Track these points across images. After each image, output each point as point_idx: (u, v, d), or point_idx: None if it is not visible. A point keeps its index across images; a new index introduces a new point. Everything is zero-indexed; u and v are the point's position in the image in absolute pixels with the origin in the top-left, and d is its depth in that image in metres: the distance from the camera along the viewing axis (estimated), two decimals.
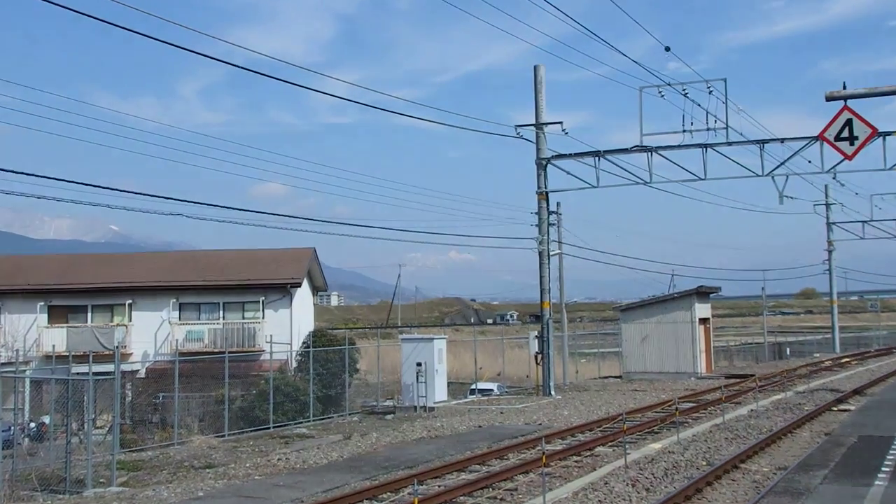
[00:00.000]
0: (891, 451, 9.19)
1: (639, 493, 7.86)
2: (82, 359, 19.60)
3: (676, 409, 14.61)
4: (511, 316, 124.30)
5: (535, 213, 21.15)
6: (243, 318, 25.32)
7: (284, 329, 24.92)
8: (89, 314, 25.02)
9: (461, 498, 8.26)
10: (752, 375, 23.54)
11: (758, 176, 19.42)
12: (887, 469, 8.11)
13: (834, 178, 29.49)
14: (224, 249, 30.34)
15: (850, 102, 12.85)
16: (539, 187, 21.12)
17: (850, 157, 13.07)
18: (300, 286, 25.99)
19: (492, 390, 24.58)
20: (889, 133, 17.83)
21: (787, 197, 19.70)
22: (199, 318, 25.13)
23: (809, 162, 18.97)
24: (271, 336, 20.86)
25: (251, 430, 17.18)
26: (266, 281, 25.50)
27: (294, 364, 23.30)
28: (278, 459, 11.28)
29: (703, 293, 26.11)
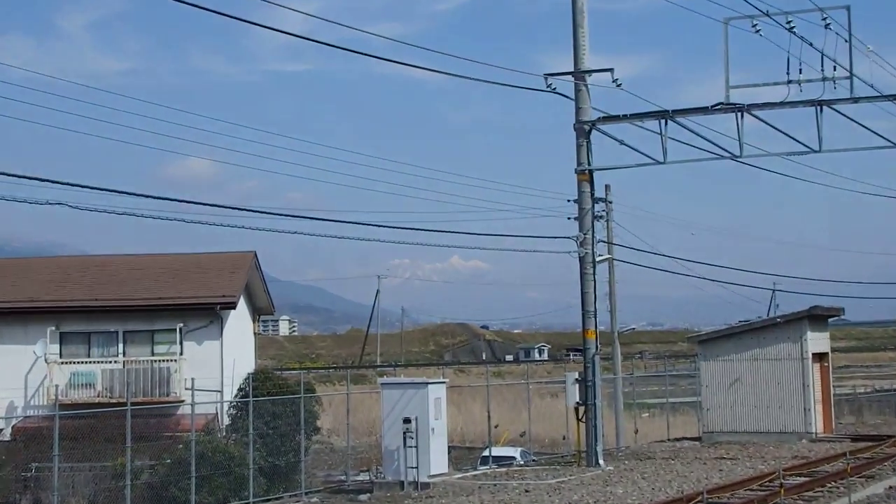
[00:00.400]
0: None
1: None
2: None
3: (781, 485, 14.41)
4: (540, 350, 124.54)
5: (575, 202, 21.16)
6: (153, 353, 25.35)
7: (212, 369, 25.04)
8: None
9: None
10: (891, 437, 23.47)
11: None
12: None
13: None
14: (126, 255, 30.45)
15: None
16: (580, 164, 21.13)
17: None
18: (234, 307, 26.10)
19: (513, 458, 24.69)
20: None
21: None
22: (88, 355, 25.02)
23: None
24: (193, 380, 20.78)
25: None
26: (186, 300, 25.58)
27: (226, 420, 23.47)
28: None
29: (818, 317, 25.53)
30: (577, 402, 21.02)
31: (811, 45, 18.12)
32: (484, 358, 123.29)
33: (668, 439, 27.44)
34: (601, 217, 27.56)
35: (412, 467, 17.90)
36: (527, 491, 16.51)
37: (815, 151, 19.68)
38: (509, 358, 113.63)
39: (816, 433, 24.67)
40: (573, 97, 20.96)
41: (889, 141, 19.58)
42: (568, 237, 20.91)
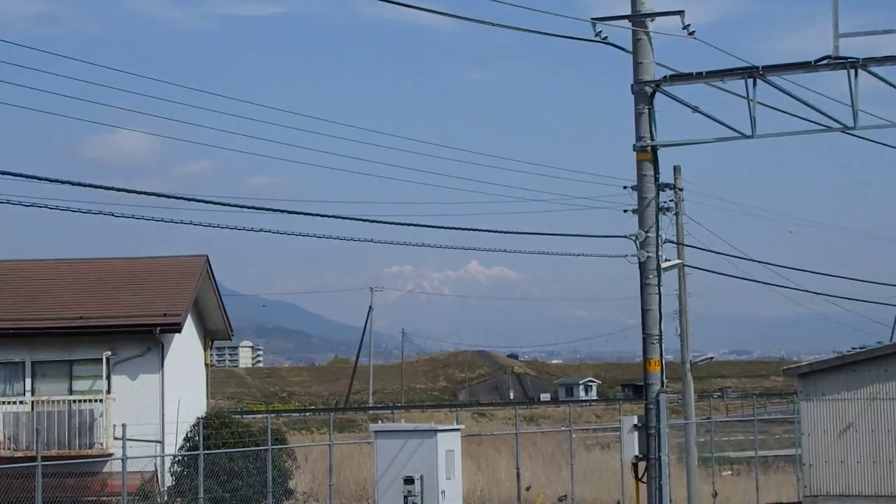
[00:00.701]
0: None
1: None
2: None
3: None
4: (587, 387, 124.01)
5: (633, 189, 21.04)
6: (71, 391, 25.45)
7: (150, 412, 25.27)
8: None
9: None
10: None
11: None
12: None
13: None
14: (35, 260, 30.56)
15: None
16: (640, 138, 21.01)
17: None
18: (180, 330, 26.33)
19: None
20: None
21: None
22: None
23: None
24: (124, 427, 20.78)
25: None
26: (115, 320, 25.82)
27: (169, 480, 23.91)
28: None
29: None
30: (636, 457, 20.87)
31: None
32: (512, 397, 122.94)
33: None
34: (668, 209, 27.49)
35: None
36: None
37: None
38: (546, 397, 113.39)
39: None
40: (630, 49, 20.84)
41: None
42: (624, 236, 20.77)
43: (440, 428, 19.76)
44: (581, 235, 22.04)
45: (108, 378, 25.55)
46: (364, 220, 16.96)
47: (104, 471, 23.78)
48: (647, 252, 20.77)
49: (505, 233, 19.64)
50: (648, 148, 20.73)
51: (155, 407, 25.52)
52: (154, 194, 14.40)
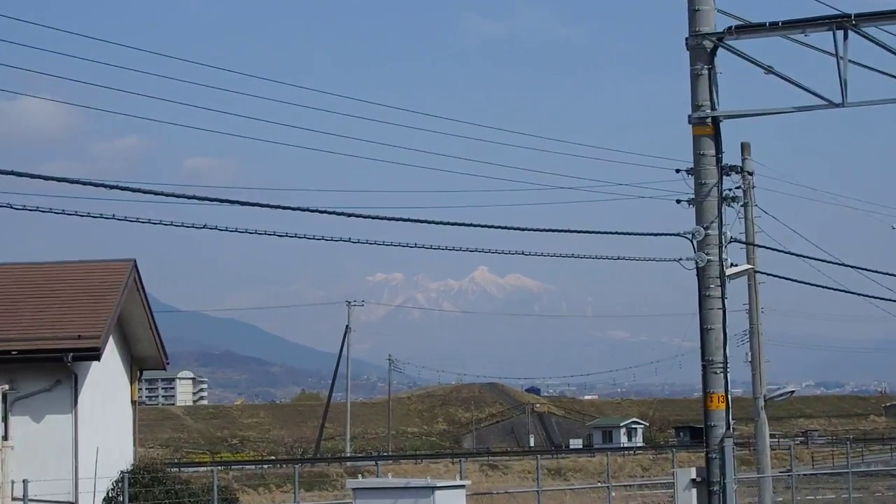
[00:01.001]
0: None
1: None
2: None
3: None
4: (630, 430, 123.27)
5: (689, 173, 21.06)
6: None
7: (60, 462, 25.41)
8: None
9: None
10: None
11: None
12: None
13: None
14: None
15: None
16: (698, 107, 21.04)
17: None
18: (98, 358, 26.53)
19: None
20: None
21: None
22: None
23: None
24: (25, 483, 20.80)
25: None
26: (13, 345, 25.95)
27: None
28: None
29: None
30: None
31: None
32: (533, 444, 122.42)
33: None
34: (735, 199, 27.34)
35: None
36: None
37: None
38: (577, 444, 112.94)
39: None
40: None
41: None
42: (677, 234, 20.80)
43: (439, 484, 19.78)
44: (621, 233, 22.04)
45: (5, 420, 25.57)
46: (339, 214, 16.95)
47: None
48: (707, 254, 20.79)
49: (522, 230, 19.44)
50: (708, 119, 20.74)
51: (66, 457, 25.56)
52: (64, 180, 14.36)
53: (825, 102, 20.11)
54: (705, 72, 20.58)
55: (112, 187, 14.62)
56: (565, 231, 20.73)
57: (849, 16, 19.94)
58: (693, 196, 20.78)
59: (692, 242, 20.67)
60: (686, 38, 20.72)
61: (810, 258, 26.65)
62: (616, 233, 22.09)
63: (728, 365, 20.46)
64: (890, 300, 28.94)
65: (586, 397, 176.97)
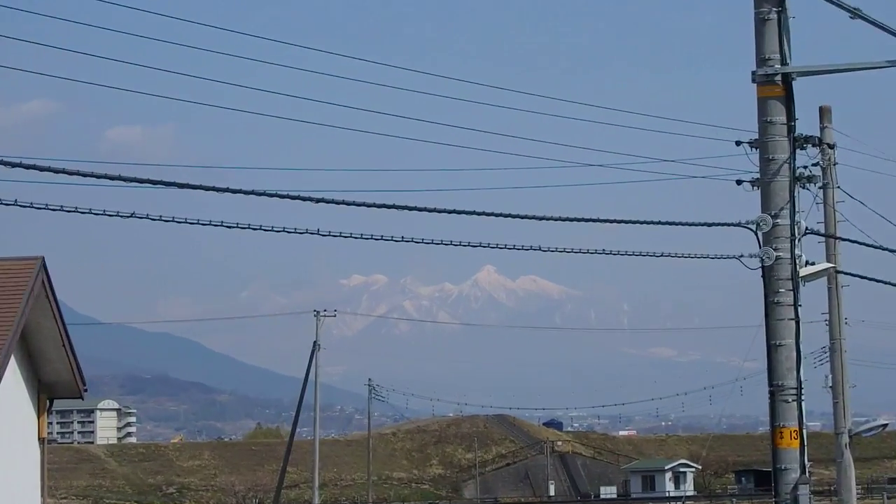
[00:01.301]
0: None
1: None
2: None
3: None
4: (678, 475, 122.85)
5: (751, 145, 21.03)
6: None
7: None
8: None
9: None
10: None
11: None
12: None
13: None
14: None
15: None
16: (764, 61, 21.01)
17: None
18: None
19: None
20: None
21: None
22: None
23: None
24: None
25: None
26: None
27: None
28: None
29: None
30: None
31: None
32: (553, 493, 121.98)
33: None
34: (810, 180, 27.32)
35: None
36: None
37: None
38: (610, 492, 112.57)
39: None
40: None
41: None
42: (737, 224, 20.81)
43: None
44: (666, 224, 22.02)
45: None
46: (304, 199, 16.82)
47: None
48: (775, 250, 20.73)
49: (540, 219, 19.28)
50: (777, 77, 20.68)
51: None
52: None
53: None
54: (774, 16, 20.50)
55: (12, 164, 14.44)
56: (594, 221, 20.64)
57: None
58: (758, 175, 20.72)
59: (756, 234, 20.61)
60: None
61: None
62: (659, 223, 22.00)
63: (803, 391, 20.43)
64: None
65: (621, 433, 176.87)
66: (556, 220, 20.65)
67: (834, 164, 29.81)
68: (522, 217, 20.31)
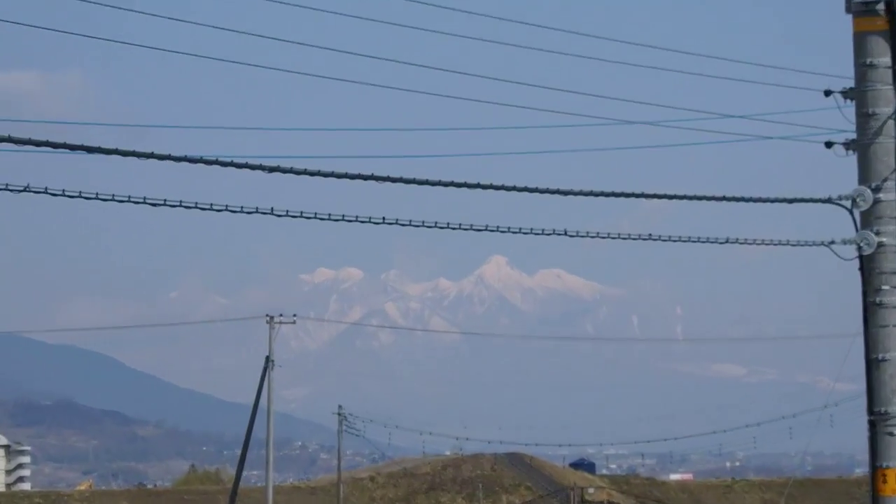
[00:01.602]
0: None
1: None
2: None
3: None
4: None
5: (845, 96, 21.01)
6: None
7: None
8: None
9: None
10: None
11: None
12: None
13: None
14: None
15: None
16: None
17: None
18: None
19: None
20: None
21: None
22: None
23: None
24: None
25: None
26: None
27: None
28: None
29: None
30: None
31: None
32: None
33: None
34: None
35: None
36: None
37: None
38: None
39: None
40: None
41: None
42: (825, 200, 20.81)
43: None
44: (731, 200, 22.01)
45: None
46: (252, 168, 16.77)
47: None
48: (877, 233, 20.67)
49: (565, 194, 19.22)
50: (881, 5, 20.65)
51: None
52: None
53: None
54: None
55: None
56: (637, 196, 20.57)
57: None
58: (854, 135, 20.68)
59: (852, 213, 20.57)
60: None
61: None
62: (723, 198, 21.94)
63: None
64: None
65: (673, 477, 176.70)
66: (586, 195, 20.61)
67: None
68: (543, 191, 20.26)
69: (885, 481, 21.05)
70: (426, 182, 19.06)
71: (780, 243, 22.43)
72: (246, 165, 17.09)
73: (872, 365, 21.18)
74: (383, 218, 19.16)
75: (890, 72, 20.83)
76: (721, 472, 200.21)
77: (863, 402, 21.18)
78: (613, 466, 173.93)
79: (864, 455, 21.68)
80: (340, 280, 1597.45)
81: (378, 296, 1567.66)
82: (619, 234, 21.65)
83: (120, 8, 21.32)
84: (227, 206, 17.34)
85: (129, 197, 16.43)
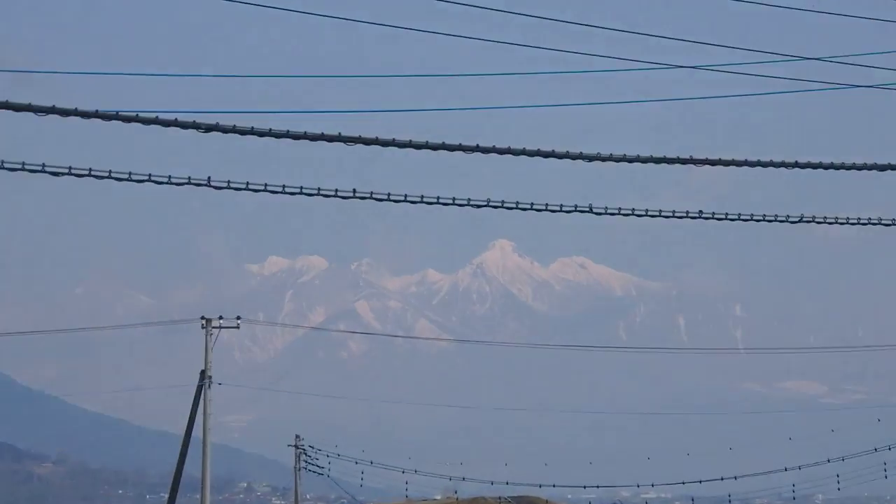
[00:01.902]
0: None
1: None
2: None
3: None
4: None
5: None
6: None
7: None
8: None
9: None
10: None
11: None
12: None
13: None
14: None
15: None
16: None
17: None
18: None
19: None
20: None
21: None
22: None
23: None
24: None
25: None
26: None
27: None
28: None
29: None
30: None
31: None
32: None
33: None
34: None
35: None
36: None
37: None
38: None
39: None
40: None
41: None
42: None
43: None
44: (801, 166, 22.14)
45: None
46: (184, 126, 16.90)
47: None
48: None
49: (590, 160, 19.28)
50: None
51: None
52: None
53: None
54: None
55: None
56: (683, 162, 20.70)
57: None
58: None
59: None
60: None
61: None
62: (794, 165, 22.03)
63: None
64: None
65: None
66: (617, 161, 20.77)
67: None
68: (561, 156, 20.44)
69: None
70: (409, 144, 19.24)
71: (869, 222, 22.56)
72: (175, 123, 17.22)
73: None
74: (353, 190, 19.41)
75: None
76: None
77: None
78: None
79: None
80: (298, 271, 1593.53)
81: (346, 292, 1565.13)
82: (660, 212, 21.76)
83: None
84: (150, 175, 17.51)
85: (2, 162, 16.58)
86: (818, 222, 22.25)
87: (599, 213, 20.41)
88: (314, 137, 18.42)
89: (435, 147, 18.38)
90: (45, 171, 16.58)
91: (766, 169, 20.75)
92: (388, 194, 20.32)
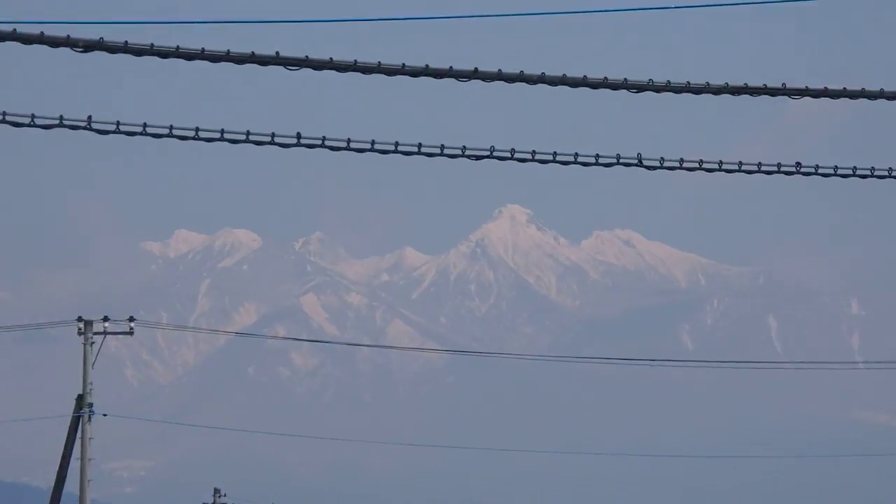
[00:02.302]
0: None
1: None
2: None
3: None
4: None
5: None
6: None
7: None
8: None
9: None
10: None
11: None
12: None
13: None
14: None
15: None
16: None
17: None
18: None
19: None
20: None
21: None
22: None
23: None
24: None
25: None
26: None
27: None
28: None
29: None
30: None
31: None
32: None
33: None
34: None
35: None
36: None
37: None
38: None
39: None
40: None
41: None
42: None
43: None
44: None
45: None
46: (72, 46, 17.07)
47: None
48: None
49: (638, 91, 19.51)
50: None
51: None
52: None
53: None
54: None
55: None
56: (772, 93, 20.88)
57: None
58: None
59: None
60: None
61: None
62: None
63: None
64: None
65: None
66: (678, 91, 20.98)
67: None
68: (596, 85, 20.69)
69: None
70: (380, 69, 19.45)
71: None
72: (56, 41, 17.50)
73: None
74: (298, 135, 19.61)
75: None
76: None
77: None
78: None
79: None
80: (218, 252, 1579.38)
81: (289, 281, 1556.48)
82: (739, 164, 21.83)
83: None
84: (3, 113, 17.72)
85: None
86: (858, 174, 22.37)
87: (652, 168, 20.30)
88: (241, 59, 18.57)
89: (415, 73, 18.51)
90: None
91: (892, 103, 20.96)
92: (348, 140, 20.43)
